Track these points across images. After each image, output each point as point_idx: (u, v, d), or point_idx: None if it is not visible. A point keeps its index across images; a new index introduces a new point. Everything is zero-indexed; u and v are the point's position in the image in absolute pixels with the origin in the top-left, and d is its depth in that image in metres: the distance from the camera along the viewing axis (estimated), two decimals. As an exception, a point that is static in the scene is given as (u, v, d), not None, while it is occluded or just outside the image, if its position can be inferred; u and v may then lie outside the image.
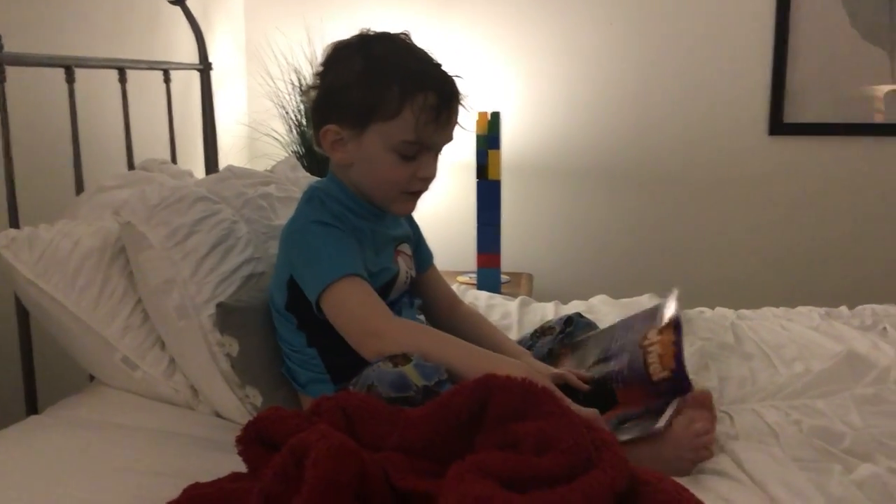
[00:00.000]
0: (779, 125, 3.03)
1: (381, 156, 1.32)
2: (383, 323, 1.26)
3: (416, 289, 1.56)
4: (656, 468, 1.01)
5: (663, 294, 2.17)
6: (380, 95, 1.29)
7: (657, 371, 1.36)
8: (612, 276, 3.12)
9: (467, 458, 0.88)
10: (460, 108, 1.36)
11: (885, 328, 1.87)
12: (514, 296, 2.45)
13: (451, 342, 1.28)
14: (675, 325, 1.37)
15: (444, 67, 1.35)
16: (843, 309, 2.08)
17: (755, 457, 1.18)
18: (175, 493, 1.07)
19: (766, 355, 1.74)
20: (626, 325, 1.49)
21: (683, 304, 1.85)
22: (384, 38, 1.36)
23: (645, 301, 2.12)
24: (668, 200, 3.10)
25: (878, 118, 3.00)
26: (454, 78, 1.35)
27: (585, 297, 2.23)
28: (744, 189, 3.07)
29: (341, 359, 1.32)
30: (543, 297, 2.32)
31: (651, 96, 3.03)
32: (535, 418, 0.92)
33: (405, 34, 1.38)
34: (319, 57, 1.40)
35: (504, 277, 2.83)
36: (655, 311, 1.44)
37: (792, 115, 3.02)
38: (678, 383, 1.33)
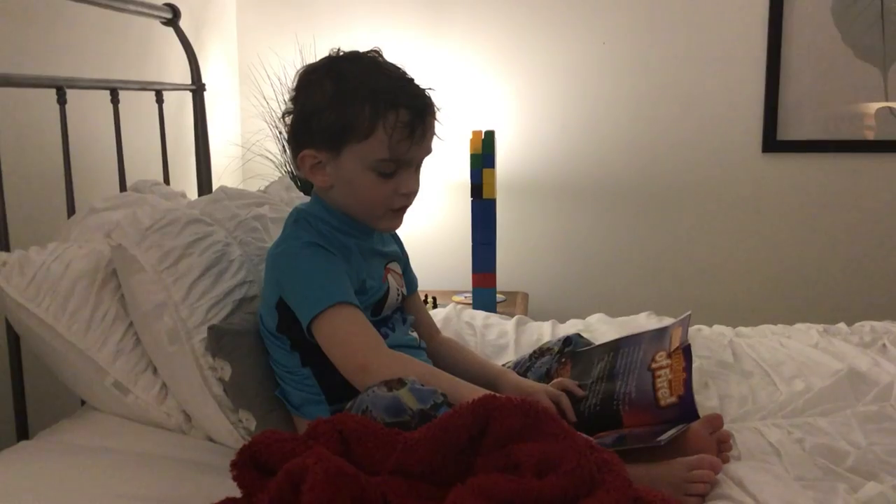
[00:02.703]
0: (772, 143, 3.03)
1: (360, 176, 1.32)
2: (372, 357, 1.25)
3: (409, 308, 1.54)
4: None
5: (660, 313, 2.20)
6: (351, 117, 1.28)
7: (665, 396, 1.34)
8: (608, 295, 3.11)
9: (468, 482, 0.86)
10: (435, 121, 1.35)
11: (884, 345, 1.86)
12: (511, 315, 2.43)
13: (439, 376, 1.28)
14: (686, 350, 1.36)
15: (415, 82, 1.34)
16: (842, 325, 2.07)
17: (758, 477, 1.16)
18: None
19: (765, 373, 1.73)
20: (632, 342, 1.48)
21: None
22: (353, 58, 1.35)
23: (643, 320, 2.10)
24: (663, 218, 3.09)
25: (870, 135, 3.00)
26: (427, 91, 1.34)
27: (582, 316, 2.22)
28: (738, 206, 3.07)
29: (336, 378, 1.30)
30: (539, 316, 2.30)
31: (645, 114, 3.03)
32: (536, 440, 0.91)
33: (376, 51, 1.37)
34: (292, 83, 1.39)
35: (500, 296, 2.82)
36: (664, 333, 1.43)
37: (785, 133, 3.02)
38: (685, 410, 1.32)
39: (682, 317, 1.45)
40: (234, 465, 1.02)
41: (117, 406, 1.50)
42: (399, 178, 1.33)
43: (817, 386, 1.59)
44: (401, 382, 1.16)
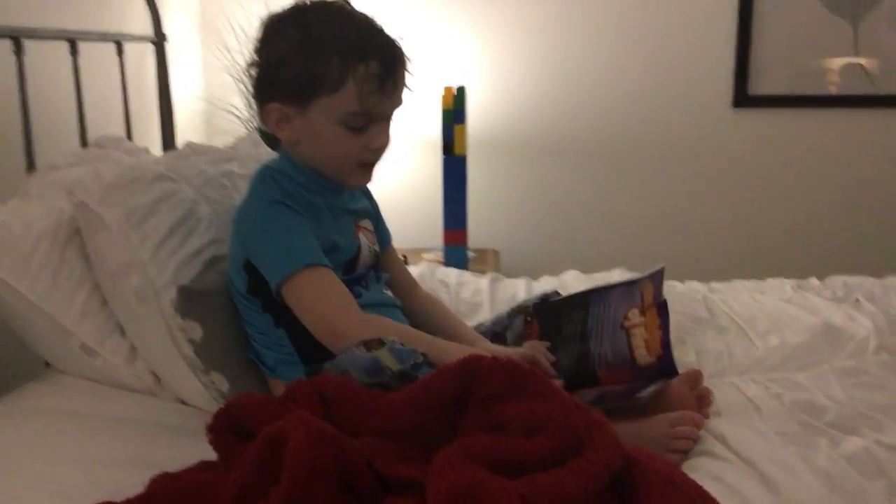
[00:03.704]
0: (744, 98, 3.01)
1: (329, 130, 1.27)
2: (342, 320, 1.23)
3: (383, 265, 1.51)
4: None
5: (633, 269, 2.18)
6: (320, 68, 1.23)
7: (643, 356, 1.33)
8: (580, 251, 3.09)
9: (455, 443, 0.84)
10: (406, 72, 1.30)
11: (857, 300, 1.87)
12: (481, 272, 2.41)
13: (412, 336, 1.25)
14: (661, 307, 1.34)
15: (385, 31, 1.29)
16: (814, 280, 2.08)
17: (740, 432, 1.16)
18: (141, 483, 1.02)
19: (740, 328, 1.73)
20: (601, 298, 1.45)
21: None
22: (319, 6, 1.29)
23: (616, 277, 2.08)
24: (635, 174, 3.07)
25: (841, 90, 3.00)
26: (397, 41, 1.29)
27: (553, 273, 2.20)
28: (710, 161, 3.06)
29: (311, 339, 1.27)
30: (510, 274, 2.28)
31: (616, 69, 3.00)
32: (522, 399, 0.88)
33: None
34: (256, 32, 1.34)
35: (470, 254, 2.79)
36: (633, 288, 1.40)
37: (757, 88, 3.00)
38: (664, 368, 1.31)
39: (652, 271, 1.41)
40: (210, 429, 1.00)
41: (84, 369, 1.46)
42: (369, 133, 1.29)
43: (793, 341, 1.59)
44: (380, 342, 1.13)
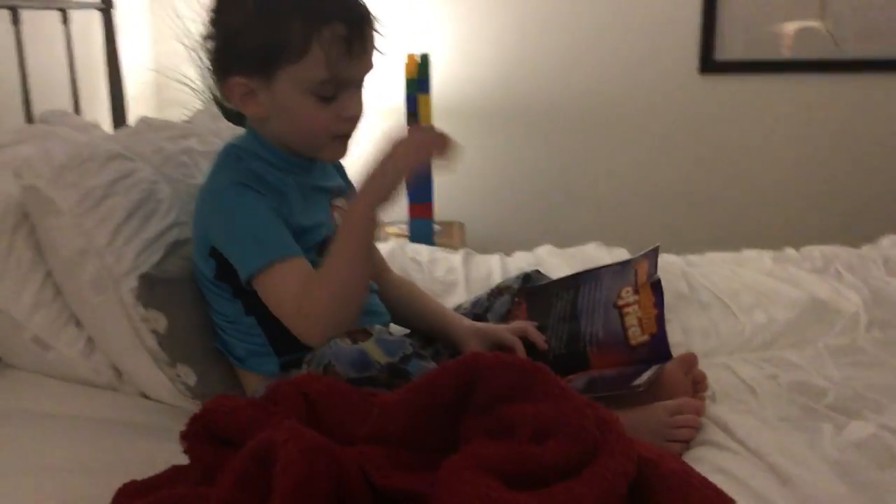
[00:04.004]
0: (710, 63, 2.97)
1: (298, 102, 1.18)
2: (304, 295, 1.14)
3: None
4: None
5: (605, 241, 2.13)
6: (281, 35, 1.14)
7: (636, 335, 1.28)
8: (548, 223, 3.04)
9: (462, 451, 0.77)
10: (375, 33, 1.21)
11: (837, 270, 1.84)
12: (448, 246, 2.35)
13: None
14: (655, 285, 1.28)
15: None
16: (791, 251, 2.04)
17: (743, 420, 1.11)
18: (101, 494, 0.94)
19: (723, 304, 1.68)
20: (592, 278, 1.39)
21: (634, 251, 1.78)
22: None
23: (591, 250, 2.03)
24: (602, 143, 3.02)
25: (807, 54, 2.96)
26: (362, 0, 1.20)
27: (524, 247, 2.14)
28: (678, 129, 3.01)
29: (284, 327, 1.19)
30: (476, 247, 2.21)
31: (582, 37, 2.93)
32: (530, 400, 0.82)
33: None
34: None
35: (435, 227, 2.72)
36: (627, 267, 1.35)
37: (723, 53, 2.96)
38: (657, 349, 1.26)
39: (647, 250, 1.36)
40: (184, 436, 0.91)
41: (37, 363, 1.36)
42: (341, 101, 1.21)
43: (780, 317, 1.55)
44: (366, 333, 1.06)
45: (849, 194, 3.06)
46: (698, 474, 0.86)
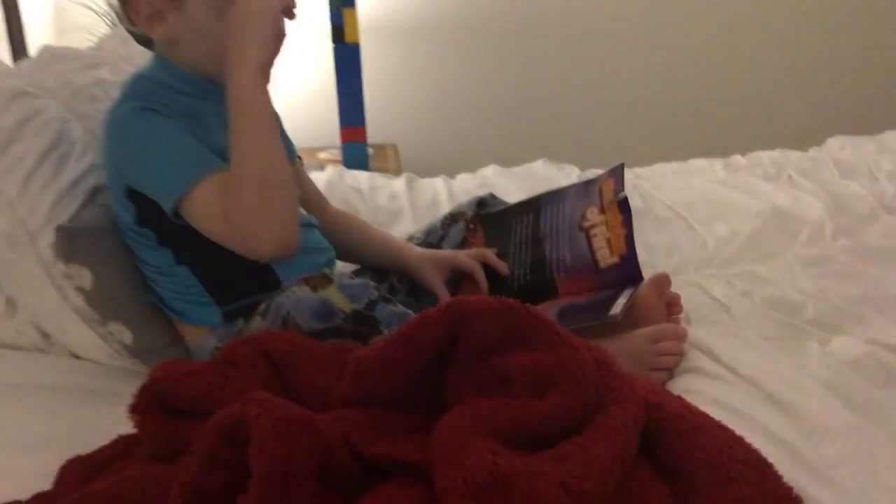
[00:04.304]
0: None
1: (212, 24, 1.04)
2: (255, 224, 0.99)
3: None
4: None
5: (553, 159, 2.05)
6: None
7: (605, 257, 1.21)
8: (486, 141, 2.94)
9: (455, 410, 0.69)
10: None
11: (790, 176, 1.80)
12: (382, 171, 2.24)
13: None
14: (622, 203, 1.21)
15: None
16: (738, 158, 2.00)
17: (727, 344, 1.05)
18: (43, 468, 0.85)
19: (681, 218, 1.63)
20: (554, 199, 1.31)
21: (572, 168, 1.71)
22: None
23: (540, 169, 1.95)
24: (539, 56, 2.90)
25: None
26: None
27: (464, 168, 2.04)
28: (619, 39, 2.91)
29: (223, 273, 1.09)
30: (412, 170, 2.10)
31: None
32: (525, 349, 0.73)
33: None
34: None
35: (369, 150, 2.60)
36: (590, 187, 1.26)
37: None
38: (628, 271, 1.19)
39: (611, 168, 1.28)
40: (134, 409, 0.80)
41: (-49, 328, 1.22)
42: None
43: (741, 229, 1.51)
44: (325, 279, 0.96)
45: (791, 97, 3.03)
46: (701, 412, 0.80)
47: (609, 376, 0.74)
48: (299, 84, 2.68)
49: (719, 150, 2.10)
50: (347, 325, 0.92)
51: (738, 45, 2.97)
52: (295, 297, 0.94)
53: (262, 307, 1.00)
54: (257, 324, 1.01)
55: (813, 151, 2.01)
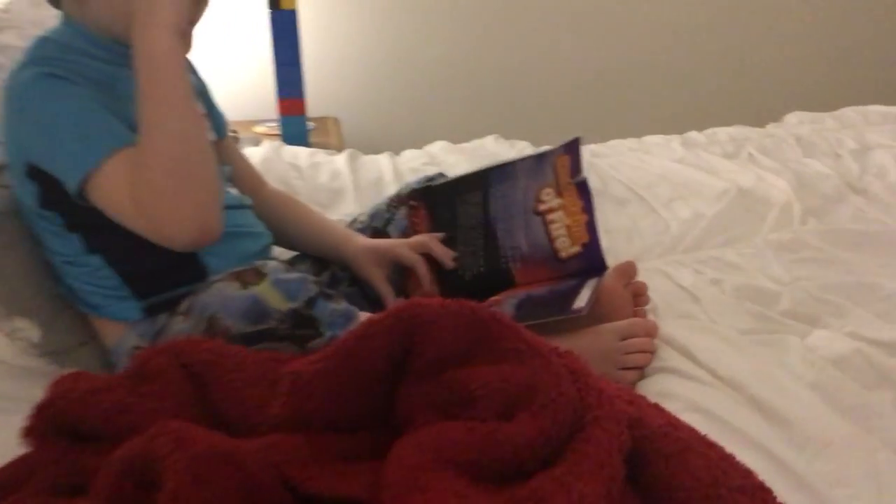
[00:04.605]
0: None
1: None
2: (162, 206, 0.87)
3: (222, 156, 1.20)
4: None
5: (505, 135, 1.95)
6: None
7: (565, 246, 1.11)
8: (433, 116, 2.81)
9: (411, 437, 0.58)
10: None
11: (750, 154, 1.73)
12: (323, 146, 2.12)
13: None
14: (581, 186, 1.10)
15: None
16: (695, 134, 1.92)
17: (701, 341, 0.97)
18: None
19: (641, 199, 1.54)
20: (503, 174, 1.19)
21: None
22: None
23: (491, 145, 1.85)
24: (494, 23, 2.77)
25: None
26: None
27: (410, 144, 1.93)
28: (571, 10, 2.80)
29: (142, 263, 0.98)
30: (354, 145, 1.99)
31: None
32: (490, 360, 0.63)
33: None
34: None
35: (309, 124, 2.46)
36: (543, 162, 1.15)
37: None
38: (592, 260, 1.09)
39: (566, 142, 1.17)
40: (29, 432, 0.68)
41: None
42: None
43: (705, 211, 1.43)
44: (258, 274, 0.84)
45: (747, 72, 2.97)
46: (686, 426, 0.71)
47: (586, 391, 0.64)
48: (234, 53, 2.52)
49: (674, 127, 2.03)
50: (283, 327, 0.81)
51: (689, 20, 2.89)
52: (222, 295, 0.82)
53: (184, 305, 0.88)
54: (179, 325, 0.89)
55: (771, 128, 1.94)
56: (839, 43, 3.00)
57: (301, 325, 0.82)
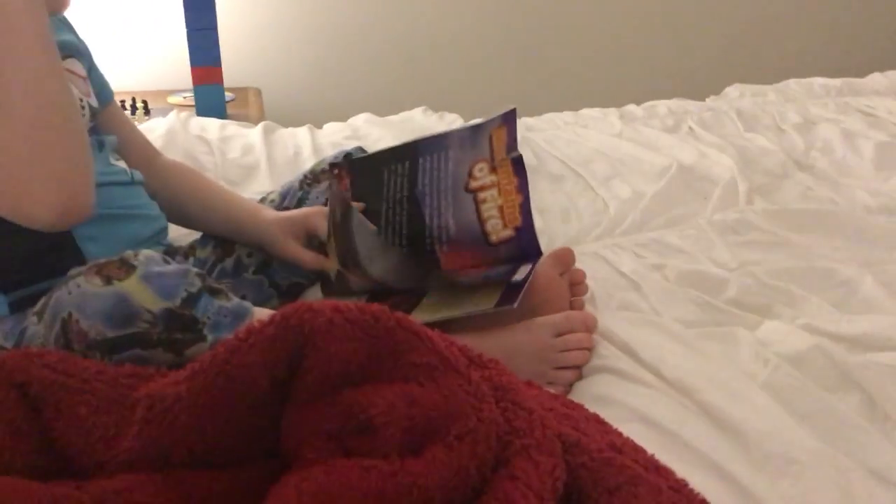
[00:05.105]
0: None
1: None
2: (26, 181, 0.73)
3: (105, 126, 1.06)
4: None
5: (433, 106, 1.83)
6: None
7: (497, 229, 1.00)
8: (360, 87, 2.67)
9: (296, 479, 0.46)
10: None
11: (690, 128, 1.64)
12: (242, 119, 1.97)
13: None
14: (517, 162, 0.99)
15: None
16: (633, 108, 1.82)
17: (643, 336, 0.87)
18: None
19: (577, 176, 1.44)
20: (434, 145, 1.07)
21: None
22: None
23: (420, 117, 1.72)
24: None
25: None
26: None
27: (335, 116, 1.80)
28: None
29: (7, 250, 0.85)
30: (276, 118, 1.85)
31: None
32: (395, 377, 0.51)
33: None
34: None
35: (228, 95, 2.30)
36: (478, 133, 1.03)
37: None
38: (525, 246, 0.98)
39: (502, 111, 1.05)
40: None
41: None
42: None
43: (645, 189, 1.33)
44: (126, 266, 0.70)
45: (683, 44, 2.89)
46: (632, 445, 0.61)
47: (513, 412, 0.53)
48: (145, 18, 2.34)
49: (611, 100, 1.93)
50: (155, 331, 0.68)
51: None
52: (80, 291, 0.68)
53: (39, 304, 0.74)
54: (33, 328, 0.75)
55: (711, 101, 1.86)
56: (779, 10, 2.94)
57: (178, 328, 0.68)
